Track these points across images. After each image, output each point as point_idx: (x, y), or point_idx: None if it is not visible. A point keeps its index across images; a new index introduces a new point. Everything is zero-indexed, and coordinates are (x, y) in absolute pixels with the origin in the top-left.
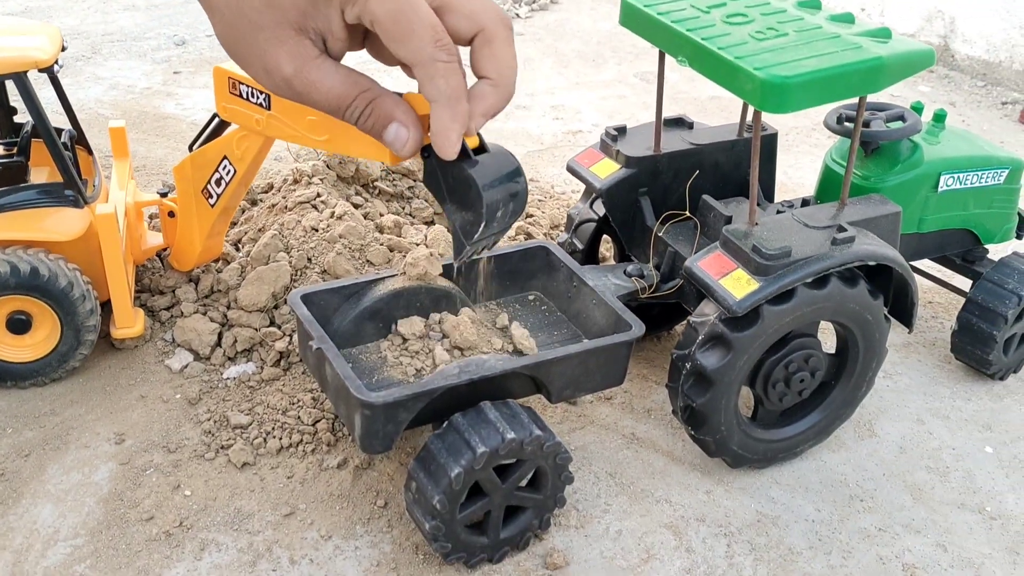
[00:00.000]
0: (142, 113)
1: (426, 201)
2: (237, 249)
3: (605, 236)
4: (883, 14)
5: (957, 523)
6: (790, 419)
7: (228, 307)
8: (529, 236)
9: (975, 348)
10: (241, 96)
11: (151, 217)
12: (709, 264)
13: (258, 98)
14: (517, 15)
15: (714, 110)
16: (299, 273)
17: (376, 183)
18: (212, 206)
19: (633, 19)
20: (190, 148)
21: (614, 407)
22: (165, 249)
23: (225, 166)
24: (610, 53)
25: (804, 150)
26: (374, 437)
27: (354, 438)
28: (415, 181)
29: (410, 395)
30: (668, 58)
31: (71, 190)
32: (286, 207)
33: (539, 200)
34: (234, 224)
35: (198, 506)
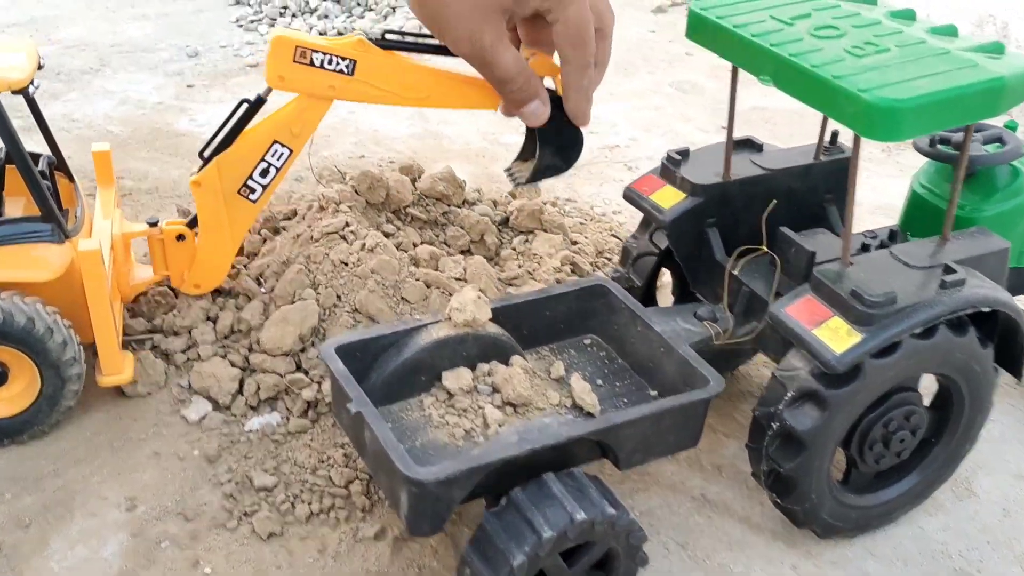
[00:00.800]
0: (154, 130)
1: (462, 228)
2: (259, 283)
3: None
4: (928, 17)
5: None
6: (885, 482)
7: (250, 349)
8: (575, 266)
9: None
10: (312, 64)
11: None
12: (799, 311)
13: (338, 64)
14: None
15: (757, 122)
16: (328, 312)
17: (408, 209)
18: (255, 201)
19: (703, 32)
20: (202, 155)
21: (680, 464)
22: (162, 282)
23: (275, 151)
24: (641, 61)
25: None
26: (423, 517)
27: (399, 517)
28: (449, 206)
29: (465, 471)
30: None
31: (50, 223)
32: (312, 237)
33: (580, 223)
34: (254, 255)
35: None
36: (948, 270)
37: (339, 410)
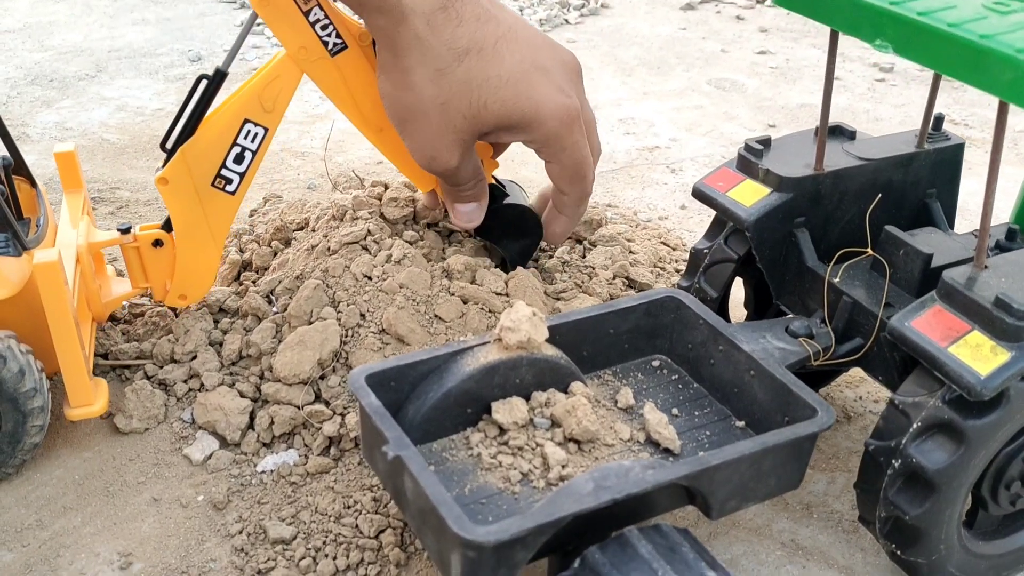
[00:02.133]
0: (154, 137)
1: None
2: (270, 302)
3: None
4: None
5: None
6: (1017, 524)
7: (261, 377)
8: (630, 280)
9: None
10: (307, 16)
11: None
12: (928, 324)
13: (329, 35)
14: (566, 21)
15: (808, 120)
16: (350, 333)
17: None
18: (233, 193)
19: None
20: (164, 147)
21: (763, 504)
22: (144, 294)
23: (248, 132)
24: (675, 59)
25: None
26: None
27: None
28: None
29: (532, 528)
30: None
31: (4, 233)
32: (329, 248)
33: (627, 230)
34: (264, 270)
35: None
36: None
37: (371, 452)
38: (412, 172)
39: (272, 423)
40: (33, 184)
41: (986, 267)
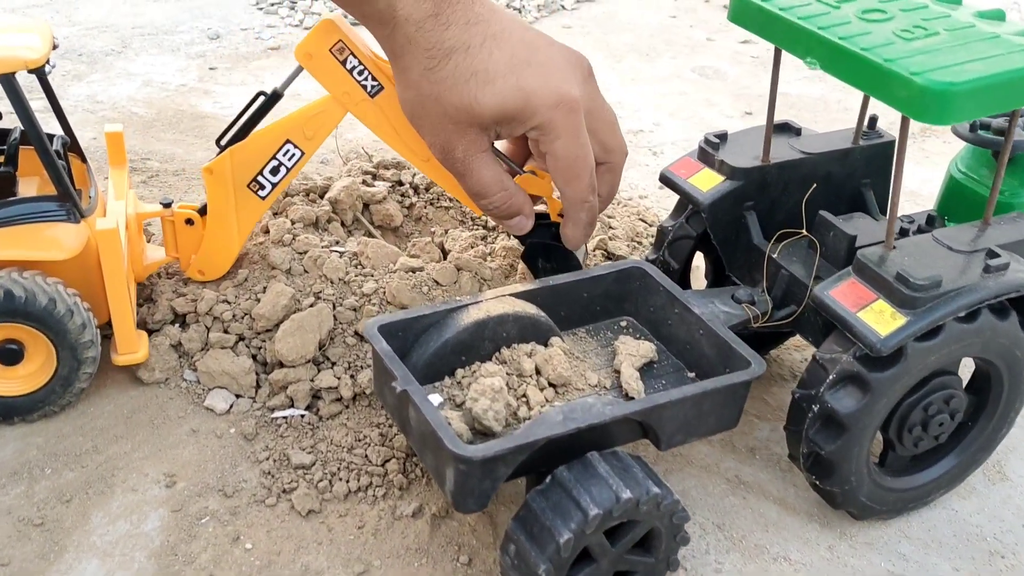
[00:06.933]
0: (178, 112)
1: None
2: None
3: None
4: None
5: None
6: (922, 465)
7: (247, 325)
8: (608, 253)
9: None
10: (344, 65)
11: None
12: (843, 294)
13: (366, 79)
14: (563, 7)
15: (780, 108)
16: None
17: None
18: (263, 198)
19: (747, 15)
20: (219, 143)
21: (713, 446)
22: (175, 261)
23: (287, 151)
24: (664, 47)
25: None
26: (469, 495)
27: (445, 494)
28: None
29: (512, 448)
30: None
31: (65, 203)
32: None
33: (610, 207)
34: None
35: (261, 562)
36: (991, 254)
37: (382, 389)
38: (463, 197)
39: (285, 389)
40: (84, 160)
41: (895, 248)
